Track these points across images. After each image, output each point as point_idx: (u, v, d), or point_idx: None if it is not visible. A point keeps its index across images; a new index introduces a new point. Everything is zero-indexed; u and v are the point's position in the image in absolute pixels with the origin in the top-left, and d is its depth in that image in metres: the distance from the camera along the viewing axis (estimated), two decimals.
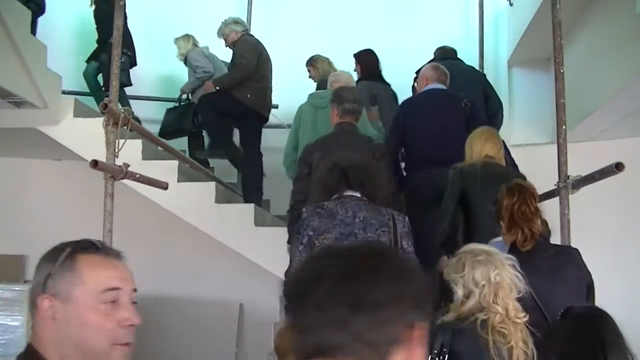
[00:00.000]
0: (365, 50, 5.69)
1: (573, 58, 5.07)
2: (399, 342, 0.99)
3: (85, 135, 4.74)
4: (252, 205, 5.22)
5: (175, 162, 5.16)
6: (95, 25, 5.97)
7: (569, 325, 2.06)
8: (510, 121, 5.94)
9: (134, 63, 5.97)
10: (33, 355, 1.31)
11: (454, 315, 2.22)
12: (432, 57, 5.49)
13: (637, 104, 4.89)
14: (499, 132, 4.17)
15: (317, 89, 5.51)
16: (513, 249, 2.81)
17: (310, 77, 5.85)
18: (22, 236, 6.19)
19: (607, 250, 5.31)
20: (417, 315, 1.02)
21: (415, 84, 5.00)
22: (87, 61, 6.03)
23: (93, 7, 6.00)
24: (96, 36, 5.96)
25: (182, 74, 6.44)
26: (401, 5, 6.96)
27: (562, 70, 3.64)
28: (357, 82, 5.43)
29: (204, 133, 6.11)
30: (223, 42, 5.94)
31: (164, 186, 4.27)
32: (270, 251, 4.67)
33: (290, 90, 6.09)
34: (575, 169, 3.57)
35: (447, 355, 2.13)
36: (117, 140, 3.55)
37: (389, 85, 5.61)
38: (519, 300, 2.21)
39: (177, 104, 6.27)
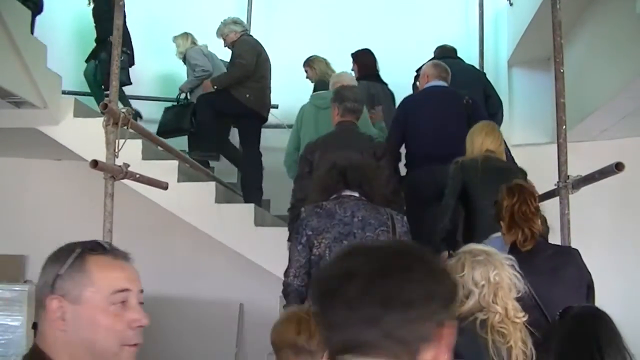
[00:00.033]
0: (363, 49, 5.69)
1: (573, 58, 5.07)
2: (429, 340, 1.00)
3: (85, 135, 4.74)
4: (252, 205, 5.22)
5: (175, 162, 5.17)
6: (93, 24, 5.97)
7: (567, 325, 2.06)
8: (510, 121, 5.95)
9: (132, 62, 5.97)
10: (39, 355, 1.31)
11: None
12: (432, 56, 5.50)
13: (637, 104, 4.89)
14: None
15: (315, 89, 5.52)
16: (513, 249, 2.81)
17: (307, 77, 5.86)
18: (22, 236, 6.19)
19: (607, 250, 5.31)
20: (446, 314, 1.03)
21: (417, 82, 5.00)
22: (87, 61, 6.02)
23: (91, 5, 6.00)
24: (95, 35, 5.96)
25: (181, 72, 6.44)
26: (401, 5, 6.96)
27: (562, 70, 3.64)
28: None
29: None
30: (222, 42, 5.95)
31: (164, 186, 4.27)
32: (270, 251, 4.67)
33: (290, 90, 6.10)
34: (575, 169, 3.57)
35: None
36: (117, 140, 3.54)
37: (386, 84, 5.61)
38: (518, 300, 2.21)
39: (175, 103, 6.26)
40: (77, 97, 5.69)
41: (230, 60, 5.84)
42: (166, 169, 4.96)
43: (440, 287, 1.04)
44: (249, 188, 5.62)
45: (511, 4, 6.60)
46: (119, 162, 3.56)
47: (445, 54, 5.47)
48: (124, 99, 5.91)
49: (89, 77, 6.01)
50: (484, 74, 5.90)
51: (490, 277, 2.17)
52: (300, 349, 2.12)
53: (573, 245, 3.37)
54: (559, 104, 3.63)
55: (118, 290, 1.33)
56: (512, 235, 2.90)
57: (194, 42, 6.26)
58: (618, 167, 3.21)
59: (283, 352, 2.15)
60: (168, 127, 6.02)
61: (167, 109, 6.24)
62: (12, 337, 5.14)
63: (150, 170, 4.35)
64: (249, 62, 5.60)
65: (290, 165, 4.68)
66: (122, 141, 3.57)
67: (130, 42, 5.88)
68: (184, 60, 6.26)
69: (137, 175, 3.82)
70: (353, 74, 5.53)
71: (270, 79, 5.80)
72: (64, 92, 5.45)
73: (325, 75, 5.63)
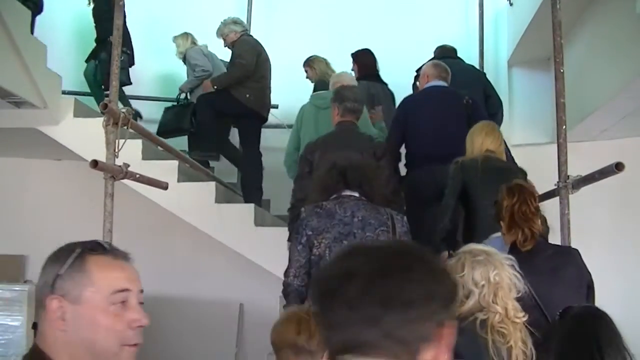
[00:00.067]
0: (363, 49, 5.69)
1: (573, 58, 5.07)
2: (429, 340, 1.01)
3: (85, 135, 4.74)
4: (252, 205, 5.22)
5: (175, 162, 5.16)
6: (93, 24, 5.97)
7: (567, 325, 2.06)
8: (510, 121, 5.95)
9: (132, 62, 5.97)
10: (39, 355, 1.31)
11: None
12: (432, 56, 5.50)
13: (637, 104, 4.89)
14: None
15: (315, 89, 5.52)
16: (513, 249, 2.82)
17: (307, 77, 5.86)
18: (22, 236, 6.19)
19: (607, 250, 5.30)
20: (446, 314, 1.03)
21: (418, 82, 5.01)
22: (87, 61, 6.02)
23: (91, 5, 6.00)
24: (95, 35, 5.96)
25: (181, 72, 6.44)
26: (401, 5, 6.96)
27: (562, 70, 3.64)
28: None
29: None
30: (222, 42, 5.95)
31: (164, 186, 4.28)
32: (270, 251, 4.67)
33: (290, 90, 6.10)
34: (575, 169, 3.57)
35: None
36: (117, 140, 3.54)
37: (386, 84, 5.61)
38: (518, 300, 2.21)
39: (175, 103, 6.25)
40: (77, 97, 5.69)
41: (230, 60, 5.84)
42: (166, 169, 4.96)
43: (440, 287, 1.04)
44: (249, 188, 5.62)
45: (511, 4, 6.60)
46: (119, 162, 3.56)
47: (445, 54, 5.47)
48: (124, 99, 5.92)
49: (89, 77, 6.01)
50: (484, 74, 5.90)
51: (490, 277, 2.17)
52: (300, 349, 2.12)
53: (573, 245, 3.37)
54: (559, 104, 3.63)
55: (118, 290, 1.33)
56: (512, 235, 2.90)
57: (194, 42, 6.26)
58: (618, 167, 3.21)
59: (283, 352, 2.15)
60: (168, 127, 6.02)
61: (167, 109, 6.24)
62: (12, 337, 5.14)
63: (150, 170, 4.35)
64: (249, 62, 5.60)
65: (290, 165, 4.68)
66: (122, 141, 3.57)
67: (130, 42, 5.88)
68: (184, 60, 6.26)
69: (137, 175, 3.82)
70: (353, 74, 5.53)
71: (270, 79, 5.80)
72: (64, 92, 5.45)
73: (325, 75, 5.63)
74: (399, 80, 5.76)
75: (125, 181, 3.80)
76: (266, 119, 5.90)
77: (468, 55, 6.10)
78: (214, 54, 6.27)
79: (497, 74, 6.59)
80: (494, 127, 3.96)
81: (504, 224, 2.94)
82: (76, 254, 1.34)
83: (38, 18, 5.41)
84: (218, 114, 5.73)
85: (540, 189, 3.51)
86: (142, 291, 1.39)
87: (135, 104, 6.21)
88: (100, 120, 3.62)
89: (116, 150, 3.54)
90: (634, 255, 5.60)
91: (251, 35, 6.05)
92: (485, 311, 2.16)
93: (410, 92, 5.26)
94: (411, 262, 1.05)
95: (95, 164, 3.36)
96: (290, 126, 5.83)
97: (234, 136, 6.14)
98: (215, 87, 5.69)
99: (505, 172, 3.71)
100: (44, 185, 6.49)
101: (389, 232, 3.17)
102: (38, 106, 4.93)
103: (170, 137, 5.82)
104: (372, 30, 6.61)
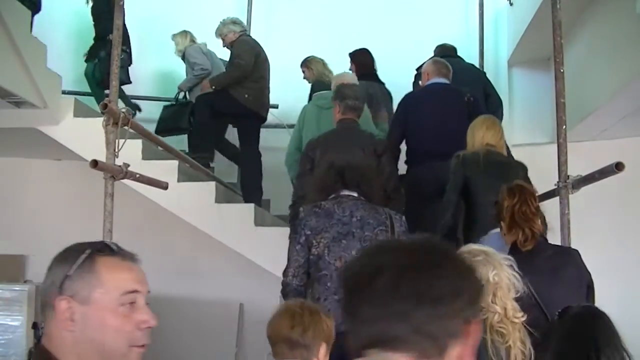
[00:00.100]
0: (361, 49, 5.69)
1: (573, 58, 5.07)
2: (457, 336, 1.01)
3: (85, 135, 4.74)
4: (252, 205, 5.22)
5: (175, 162, 5.16)
6: (92, 22, 5.97)
7: (566, 324, 2.06)
8: (510, 121, 5.95)
9: (130, 61, 5.96)
10: (45, 355, 1.31)
11: None
12: (432, 55, 5.49)
13: (637, 104, 4.88)
14: None
15: (312, 89, 5.54)
16: (514, 249, 2.82)
17: (304, 78, 5.87)
18: (22, 236, 6.20)
19: (607, 250, 5.30)
20: (472, 311, 1.04)
21: (420, 82, 5.01)
22: (86, 60, 6.01)
23: (90, 4, 6.00)
24: (94, 33, 5.96)
25: (180, 71, 6.43)
26: (401, 5, 6.96)
27: (562, 70, 3.64)
28: None
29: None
30: (221, 42, 5.95)
31: (164, 186, 4.28)
32: (270, 251, 4.67)
33: (290, 90, 6.10)
34: (576, 169, 3.57)
35: None
36: (117, 140, 3.54)
37: (383, 84, 5.61)
38: (517, 299, 2.21)
39: (174, 102, 6.25)
40: (77, 97, 5.69)
41: (229, 60, 5.85)
42: (166, 169, 4.96)
43: (467, 284, 1.05)
44: (249, 188, 5.63)
45: (511, 4, 6.60)
46: (119, 162, 3.56)
47: (445, 52, 5.47)
48: (125, 98, 5.93)
49: (89, 77, 6.01)
50: (484, 73, 5.90)
51: (490, 277, 2.17)
52: (294, 343, 2.14)
53: (573, 245, 3.38)
54: (559, 104, 3.63)
55: (128, 291, 1.34)
56: (512, 235, 2.90)
57: (192, 40, 6.25)
58: (618, 167, 3.21)
59: (278, 346, 2.18)
60: (166, 126, 6.02)
61: (165, 107, 6.24)
62: (12, 337, 5.15)
63: (150, 170, 4.35)
64: (247, 62, 5.60)
65: (291, 165, 4.69)
66: (122, 141, 3.57)
67: (129, 41, 5.87)
68: (183, 58, 6.25)
69: (137, 175, 3.82)
70: (351, 73, 5.53)
71: (269, 79, 5.80)
72: (64, 92, 5.45)
73: (323, 76, 5.65)
74: (400, 80, 5.75)
75: (125, 181, 3.80)
76: (265, 119, 5.90)
77: (468, 55, 6.10)
78: (213, 52, 6.26)
79: (497, 73, 6.59)
80: (494, 121, 3.97)
81: (505, 224, 2.95)
82: (86, 255, 1.34)
83: (36, 17, 5.40)
84: (216, 114, 5.73)
85: (540, 189, 3.51)
86: (149, 292, 1.39)
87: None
88: (100, 120, 3.62)
89: (116, 150, 3.54)
90: (634, 255, 5.60)
91: (250, 36, 6.06)
92: (484, 311, 2.16)
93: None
94: (441, 258, 1.05)
95: (95, 163, 3.36)
96: (290, 126, 5.84)
97: (234, 136, 6.14)
98: (214, 87, 5.70)
99: (506, 166, 3.72)
100: (44, 185, 6.50)
101: (387, 232, 3.17)
102: (38, 106, 4.93)
103: (168, 136, 5.82)
104: (372, 31, 6.61)
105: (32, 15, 5.21)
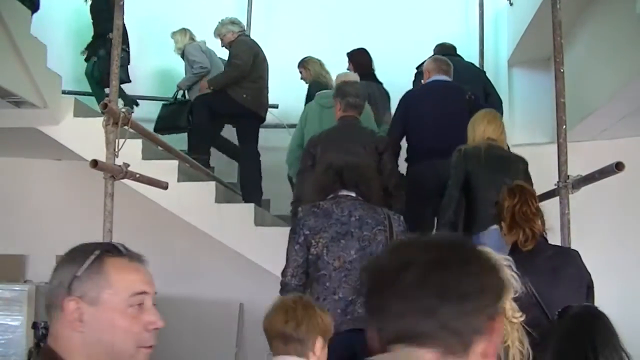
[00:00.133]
0: (359, 49, 5.69)
1: (573, 58, 5.07)
2: (481, 332, 1.01)
3: (85, 135, 4.74)
4: (252, 205, 5.22)
5: (175, 162, 5.16)
6: (91, 21, 5.96)
7: (565, 324, 2.07)
8: (510, 121, 5.94)
9: (129, 60, 5.96)
10: (51, 355, 1.31)
11: None
12: (431, 55, 5.49)
13: (636, 104, 4.88)
14: None
15: (309, 89, 5.55)
16: (514, 249, 2.82)
17: (302, 78, 5.87)
18: (22, 236, 6.20)
19: (607, 249, 5.29)
20: (496, 308, 1.04)
21: (422, 81, 5.01)
22: (86, 59, 6.00)
23: (89, 2, 6.00)
24: (93, 32, 5.95)
25: (179, 69, 6.42)
26: (401, 6, 6.96)
27: (562, 70, 3.64)
28: None
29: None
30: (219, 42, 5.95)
31: (164, 186, 4.28)
32: (270, 251, 4.66)
33: (289, 90, 6.10)
34: (576, 169, 3.57)
35: None
36: (117, 140, 3.55)
37: (381, 84, 5.61)
38: (515, 299, 2.21)
39: (173, 100, 6.24)
40: (77, 96, 5.69)
41: (228, 60, 5.85)
42: (166, 169, 4.96)
43: (493, 281, 1.05)
44: (248, 188, 5.63)
45: (511, 4, 6.60)
46: (118, 161, 3.56)
47: (445, 51, 5.47)
48: (126, 97, 5.93)
49: (89, 75, 6.01)
50: (484, 72, 5.90)
51: None
52: (288, 338, 2.16)
53: (573, 245, 3.38)
54: (559, 104, 3.63)
55: (136, 293, 1.34)
56: (513, 235, 2.91)
57: (192, 38, 6.24)
58: (618, 167, 3.21)
59: (274, 341, 2.20)
60: (165, 124, 6.02)
61: (164, 105, 6.23)
62: (12, 337, 5.15)
63: (150, 170, 4.35)
64: (245, 62, 5.61)
65: (292, 162, 4.70)
66: (122, 141, 3.57)
67: (127, 39, 5.87)
68: (183, 56, 6.24)
69: (137, 175, 3.82)
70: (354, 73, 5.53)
71: (267, 80, 5.81)
72: (64, 92, 5.45)
73: (320, 76, 5.66)
74: (400, 80, 5.75)
75: (125, 181, 3.80)
76: (264, 119, 5.89)
77: (468, 55, 6.10)
78: (213, 50, 6.25)
79: (497, 73, 6.59)
80: (495, 115, 3.98)
81: (505, 225, 2.95)
82: (95, 256, 1.34)
83: (35, 16, 5.41)
84: (214, 115, 5.74)
85: (540, 189, 3.52)
86: (156, 293, 1.39)
87: None
88: (100, 120, 3.63)
89: (116, 150, 3.54)
90: (634, 255, 5.59)
91: (248, 36, 6.06)
92: None
93: None
94: (468, 255, 1.06)
95: (95, 163, 3.36)
96: (290, 126, 5.84)
97: (233, 136, 6.14)
98: (212, 88, 5.70)
99: (506, 160, 3.73)
100: (44, 185, 6.50)
101: (386, 232, 3.18)
102: (38, 106, 4.93)
103: (167, 134, 5.83)
104: (372, 31, 6.61)
105: (31, 14, 5.21)
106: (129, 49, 5.88)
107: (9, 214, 6.32)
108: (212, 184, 5.32)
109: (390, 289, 1.02)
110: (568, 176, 3.54)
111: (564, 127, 3.61)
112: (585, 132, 5.50)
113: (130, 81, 5.95)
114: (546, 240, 3.04)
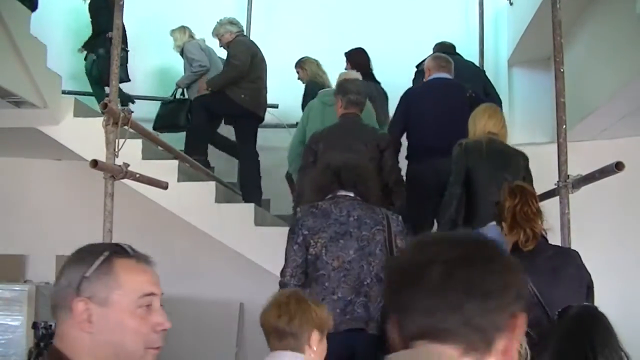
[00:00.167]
0: (357, 48, 5.69)
1: (573, 58, 5.06)
2: (503, 330, 1.02)
3: (85, 135, 4.74)
4: (252, 205, 5.22)
5: (175, 162, 5.16)
6: (90, 19, 5.96)
7: (565, 324, 2.07)
8: (510, 121, 5.91)
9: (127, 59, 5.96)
10: (58, 356, 1.31)
11: None
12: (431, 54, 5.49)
13: (636, 104, 4.88)
14: None
15: (305, 90, 5.56)
16: (515, 249, 2.82)
17: (299, 78, 5.88)
18: (22, 236, 6.20)
19: (607, 249, 5.30)
20: (518, 306, 1.05)
21: (423, 79, 5.01)
22: (86, 58, 6.00)
23: (87, 0, 6.00)
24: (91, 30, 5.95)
25: (178, 67, 6.42)
26: (401, 6, 6.96)
27: (562, 70, 3.63)
28: None
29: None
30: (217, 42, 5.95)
31: (163, 186, 4.28)
32: (270, 251, 4.66)
33: (289, 90, 6.10)
34: (576, 169, 3.57)
35: None
36: (117, 140, 3.55)
37: (379, 83, 5.61)
38: None
39: (172, 99, 6.23)
40: (77, 96, 5.69)
41: (226, 60, 5.86)
42: (166, 169, 4.96)
43: (515, 279, 1.05)
44: (248, 188, 5.63)
45: (511, 4, 6.60)
46: (118, 161, 3.56)
47: (444, 50, 5.45)
48: (122, 95, 5.91)
49: (88, 74, 6.00)
50: (484, 71, 5.91)
51: None
52: (282, 333, 2.18)
53: (573, 245, 3.38)
54: (559, 104, 3.63)
55: (145, 294, 1.34)
56: (514, 235, 2.90)
57: (191, 36, 6.24)
58: (618, 167, 3.21)
59: (270, 337, 2.23)
60: (164, 123, 6.02)
61: (163, 104, 6.23)
62: (12, 337, 5.15)
63: (150, 170, 4.35)
64: (243, 63, 5.61)
65: (294, 159, 4.70)
66: (122, 141, 3.57)
67: (126, 38, 5.86)
68: (182, 54, 6.24)
69: (137, 175, 3.82)
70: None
71: (266, 80, 5.81)
72: (63, 92, 5.45)
73: (317, 76, 5.67)
74: (400, 80, 5.73)
75: (125, 181, 3.80)
76: (263, 119, 5.89)
77: (468, 54, 6.09)
78: (212, 49, 6.25)
79: (497, 73, 6.60)
80: (496, 109, 3.98)
81: (506, 225, 2.95)
82: (104, 257, 1.34)
83: (33, 15, 5.40)
84: (213, 116, 5.75)
85: (540, 189, 3.51)
86: (162, 294, 1.40)
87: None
88: (100, 120, 3.63)
89: (116, 150, 3.54)
90: (634, 255, 5.59)
91: (246, 36, 6.06)
92: None
93: None
94: (491, 253, 1.06)
95: (95, 163, 3.36)
96: (290, 126, 5.84)
97: (232, 136, 6.14)
98: (210, 89, 5.70)
99: (507, 155, 3.73)
100: (44, 185, 6.50)
101: (384, 231, 3.18)
102: (38, 106, 4.93)
103: (165, 132, 5.82)
104: (372, 30, 6.61)
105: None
106: (127, 48, 5.88)
107: (9, 214, 6.32)
108: (212, 183, 5.32)
109: (417, 286, 1.02)
110: (568, 176, 3.53)
111: (564, 126, 3.60)
112: (585, 131, 5.50)
113: (129, 80, 5.95)
114: (546, 240, 3.04)
